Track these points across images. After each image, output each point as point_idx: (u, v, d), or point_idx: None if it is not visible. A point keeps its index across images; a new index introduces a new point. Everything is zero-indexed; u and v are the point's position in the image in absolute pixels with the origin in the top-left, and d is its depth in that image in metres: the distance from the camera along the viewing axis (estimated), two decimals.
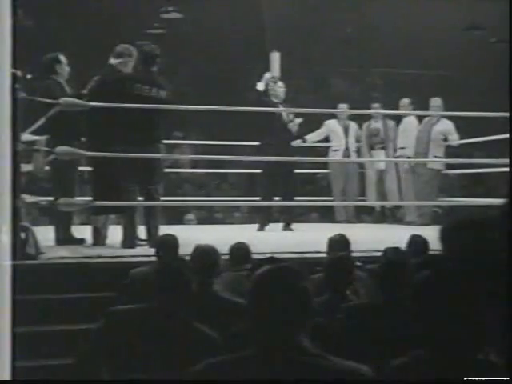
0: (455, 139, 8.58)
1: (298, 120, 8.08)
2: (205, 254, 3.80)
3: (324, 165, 9.68)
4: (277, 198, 7.90)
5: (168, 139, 6.24)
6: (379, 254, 3.94)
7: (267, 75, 8.23)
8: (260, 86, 8.05)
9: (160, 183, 6.07)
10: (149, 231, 5.85)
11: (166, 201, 7.71)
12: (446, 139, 8.54)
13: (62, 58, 6.35)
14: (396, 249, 3.72)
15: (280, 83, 8.15)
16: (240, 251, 4.52)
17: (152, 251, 4.75)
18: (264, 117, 7.80)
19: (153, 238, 5.66)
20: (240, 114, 8.06)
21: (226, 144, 10.02)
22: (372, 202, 9.24)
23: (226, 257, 4.53)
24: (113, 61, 6.08)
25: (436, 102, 8.56)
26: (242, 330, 2.83)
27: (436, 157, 8.54)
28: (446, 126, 8.56)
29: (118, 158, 5.69)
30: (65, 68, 6.33)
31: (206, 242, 4.01)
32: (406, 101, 8.96)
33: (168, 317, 2.92)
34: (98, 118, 5.87)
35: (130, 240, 5.79)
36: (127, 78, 5.94)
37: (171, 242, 4.43)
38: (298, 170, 9.32)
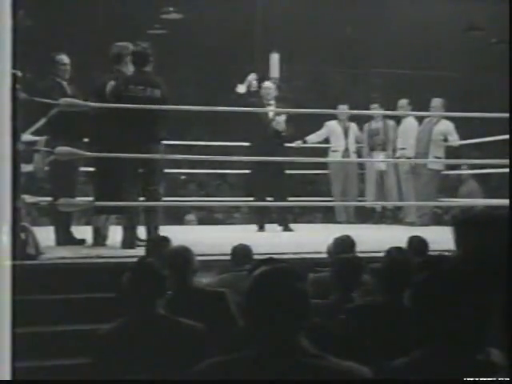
0: (455, 140, 8.58)
1: (282, 118, 7.99)
2: (178, 254, 3.78)
3: (324, 165, 9.67)
4: (271, 199, 7.90)
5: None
6: (381, 254, 3.94)
7: (251, 76, 8.22)
8: (241, 89, 8.03)
9: (160, 183, 6.06)
10: (148, 232, 5.84)
11: (166, 201, 7.71)
12: (445, 140, 8.54)
13: (65, 58, 6.35)
14: (399, 248, 3.72)
15: (268, 83, 8.14)
16: (240, 252, 4.52)
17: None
18: (252, 117, 7.81)
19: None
20: (232, 114, 8.05)
21: (220, 145, 10.04)
22: (372, 202, 9.24)
23: (227, 257, 4.54)
24: (117, 66, 6.06)
25: (436, 102, 8.56)
26: (240, 329, 2.84)
27: (436, 157, 8.54)
28: (446, 126, 8.56)
29: (118, 159, 5.69)
30: (67, 68, 6.33)
31: (206, 242, 4.02)
32: (404, 101, 8.97)
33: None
34: (95, 120, 5.88)
35: (130, 240, 5.78)
36: (121, 81, 5.93)
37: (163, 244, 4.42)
38: (298, 171, 9.34)
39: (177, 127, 9.95)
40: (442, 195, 8.98)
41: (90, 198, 6.10)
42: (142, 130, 5.78)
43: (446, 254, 3.38)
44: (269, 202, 7.90)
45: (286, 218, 8.09)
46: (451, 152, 8.73)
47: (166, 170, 7.35)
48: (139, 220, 5.95)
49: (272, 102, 7.98)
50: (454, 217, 7.94)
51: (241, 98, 7.82)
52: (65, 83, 6.29)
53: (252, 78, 8.17)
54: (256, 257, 4.38)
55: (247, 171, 8.50)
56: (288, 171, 8.21)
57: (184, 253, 3.78)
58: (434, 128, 8.58)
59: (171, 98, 5.99)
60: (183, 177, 13.13)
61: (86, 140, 6.19)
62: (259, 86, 8.13)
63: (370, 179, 9.31)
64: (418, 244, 4.56)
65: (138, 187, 5.90)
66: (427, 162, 8.53)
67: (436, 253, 4.19)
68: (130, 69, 6.06)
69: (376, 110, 9.21)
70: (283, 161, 7.70)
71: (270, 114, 7.98)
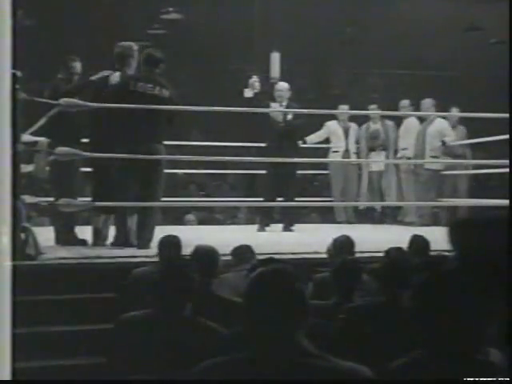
0: (452, 138, 8.61)
1: (292, 118, 7.96)
2: (205, 254, 3.84)
3: (324, 166, 9.67)
4: (278, 199, 7.89)
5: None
6: (381, 254, 3.95)
7: (253, 79, 8.22)
8: (248, 93, 8.02)
9: (159, 183, 6.04)
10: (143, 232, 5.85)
11: (166, 201, 7.70)
12: (443, 142, 8.56)
13: (74, 58, 6.37)
14: (398, 249, 3.73)
15: (282, 84, 8.13)
16: (242, 252, 4.53)
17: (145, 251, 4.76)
18: (262, 118, 7.83)
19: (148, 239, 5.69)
20: (239, 115, 8.04)
21: (226, 145, 10.03)
22: (372, 202, 9.25)
23: (227, 257, 4.54)
24: (120, 66, 6.06)
25: (427, 103, 8.62)
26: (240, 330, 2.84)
27: (433, 157, 8.57)
28: (441, 125, 8.60)
29: (117, 159, 5.69)
30: (76, 68, 6.34)
31: (207, 242, 4.04)
32: (405, 102, 8.98)
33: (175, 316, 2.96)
34: (99, 118, 5.89)
35: (126, 239, 5.79)
36: (130, 77, 5.95)
37: (173, 243, 4.44)
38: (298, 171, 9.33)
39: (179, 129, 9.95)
40: (442, 195, 8.97)
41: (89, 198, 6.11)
42: (147, 129, 5.78)
43: (445, 254, 3.38)
44: (268, 203, 7.89)
45: (287, 218, 8.08)
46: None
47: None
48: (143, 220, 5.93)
49: (285, 103, 7.94)
50: (451, 218, 7.95)
51: (250, 102, 7.83)
52: (70, 84, 6.28)
53: (254, 80, 8.17)
54: (257, 257, 4.38)
55: (250, 172, 8.50)
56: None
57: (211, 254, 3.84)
58: (428, 128, 8.62)
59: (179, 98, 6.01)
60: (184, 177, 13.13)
61: (87, 140, 6.18)
62: (273, 88, 8.13)
63: (370, 179, 9.32)
64: (419, 244, 4.55)
65: (136, 187, 5.87)
66: (426, 162, 8.55)
67: (435, 253, 4.19)
68: (132, 69, 6.06)
69: (374, 111, 9.21)
70: (284, 161, 7.70)
71: (281, 115, 7.95)
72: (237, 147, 9.86)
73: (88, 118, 6.00)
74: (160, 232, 5.17)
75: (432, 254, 4.38)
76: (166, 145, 6.00)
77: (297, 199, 8.11)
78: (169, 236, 4.57)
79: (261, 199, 7.92)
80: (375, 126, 9.23)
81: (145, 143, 5.74)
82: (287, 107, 7.92)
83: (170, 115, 5.92)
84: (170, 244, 4.46)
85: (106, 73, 6.04)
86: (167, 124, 5.93)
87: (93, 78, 6.07)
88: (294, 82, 8.40)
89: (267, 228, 7.89)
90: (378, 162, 9.21)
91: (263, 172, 8.08)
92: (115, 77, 6.00)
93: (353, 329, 3.18)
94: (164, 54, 6.06)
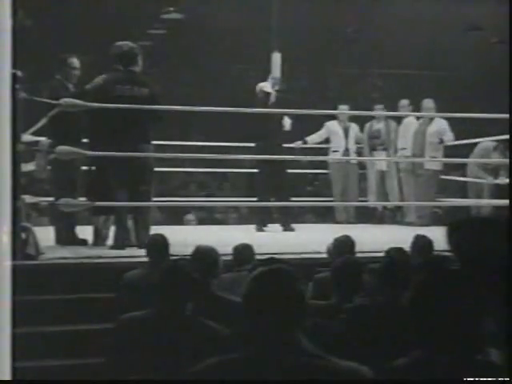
0: (450, 138, 8.61)
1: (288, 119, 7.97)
2: (205, 254, 3.85)
3: (324, 165, 9.67)
4: (274, 199, 7.89)
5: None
6: (381, 254, 3.94)
7: (271, 76, 8.22)
8: (268, 88, 8.01)
9: (151, 184, 6.02)
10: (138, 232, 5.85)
11: (165, 201, 7.71)
12: (441, 139, 8.55)
13: (72, 59, 6.36)
14: (399, 249, 3.72)
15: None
16: (242, 252, 4.52)
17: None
18: (263, 118, 7.83)
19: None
20: (239, 115, 8.04)
21: (225, 145, 10.03)
22: (372, 202, 9.24)
23: (227, 257, 4.53)
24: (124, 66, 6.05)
25: (428, 103, 8.62)
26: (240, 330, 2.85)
27: (432, 157, 8.56)
28: (440, 125, 8.59)
29: (107, 159, 5.70)
30: (74, 69, 6.32)
31: (207, 242, 4.04)
32: (405, 102, 8.98)
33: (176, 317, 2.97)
34: (85, 120, 5.91)
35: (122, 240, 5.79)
36: (107, 81, 5.91)
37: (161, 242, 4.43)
38: (298, 171, 9.34)
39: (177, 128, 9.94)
40: (441, 195, 8.97)
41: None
42: (130, 130, 5.76)
43: (445, 254, 3.38)
44: (269, 203, 7.89)
45: (288, 218, 8.07)
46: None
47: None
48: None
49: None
50: (450, 218, 7.94)
51: (266, 98, 7.83)
52: (71, 85, 6.26)
53: (274, 78, 8.18)
54: (258, 256, 4.38)
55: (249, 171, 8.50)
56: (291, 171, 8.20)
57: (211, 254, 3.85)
58: (427, 129, 8.61)
59: (163, 96, 5.97)
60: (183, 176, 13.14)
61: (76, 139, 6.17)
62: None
63: (371, 179, 9.32)
64: (422, 244, 4.54)
65: (128, 187, 5.85)
66: (425, 161, 8.54)
67: (435, 253, 4.18)
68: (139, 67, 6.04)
69: (380, 111, 9.20)
70: (284, 160, 7.70)
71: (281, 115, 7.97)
72: (237, 147, 9.87)
73: (78, 120, 5.99)
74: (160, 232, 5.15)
75: (433, 254, 4.37)
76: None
77: (297, 199, 8.11)
78: (156, 235, 4.56)
79: (260, 199, 7.91)
80: (378, 125, 9.22)
81: (130, 144, 5.72)
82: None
83: (154, 114, 5.89)
84: (157, 243, 4.44)
85: (100, 79, 6.02)
86: (151, 123, 5.89)
87: (88, 86, 6.06)
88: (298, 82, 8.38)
89: (266, 228, 7.89)
90: (375, 159, 9.20)
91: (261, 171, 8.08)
92: (93, 81, 5.98)
93: (353, 329, 3.18)
94: (140, 49, 6.04)
